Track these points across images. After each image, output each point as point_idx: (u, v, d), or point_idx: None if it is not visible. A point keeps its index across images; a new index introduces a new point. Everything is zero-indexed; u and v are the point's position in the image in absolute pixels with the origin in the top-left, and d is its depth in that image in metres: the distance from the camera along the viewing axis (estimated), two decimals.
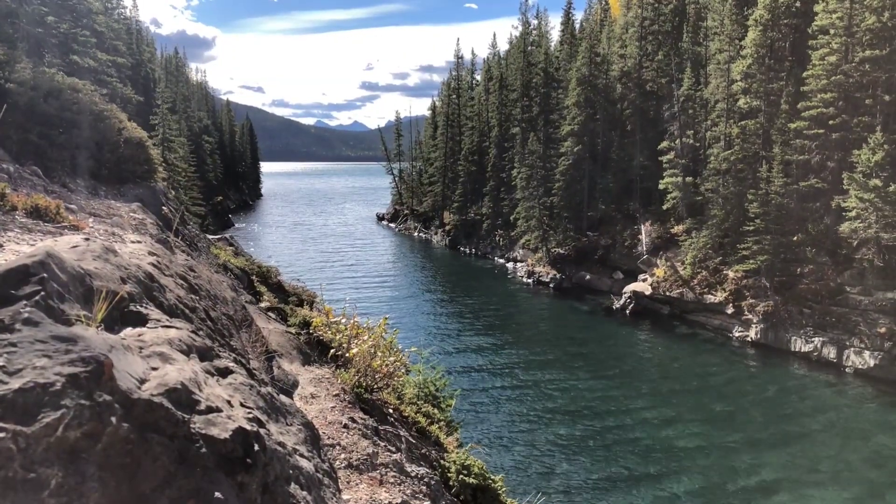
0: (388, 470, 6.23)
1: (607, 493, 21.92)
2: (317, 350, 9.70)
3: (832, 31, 38.40)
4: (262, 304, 11.46)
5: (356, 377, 7.99)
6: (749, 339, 39.42)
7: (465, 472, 7.39)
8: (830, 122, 37.84)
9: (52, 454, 1.93)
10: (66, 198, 11.21)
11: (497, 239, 69.87)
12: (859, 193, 34.25)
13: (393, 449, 6.88)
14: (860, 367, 33.86)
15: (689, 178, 48.78)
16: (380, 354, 8.21)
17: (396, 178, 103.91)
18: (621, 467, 23.74)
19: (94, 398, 2.07)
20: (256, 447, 2.52)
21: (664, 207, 50.35)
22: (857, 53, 37.49)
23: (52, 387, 2.01)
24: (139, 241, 5.88)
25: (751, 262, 39.75)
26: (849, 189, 35.31)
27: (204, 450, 2.29)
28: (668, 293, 44.99)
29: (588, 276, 54.77)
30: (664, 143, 51.09)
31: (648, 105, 57.61)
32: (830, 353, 35.28)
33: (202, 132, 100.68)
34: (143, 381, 2.33)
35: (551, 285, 54.97)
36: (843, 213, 36.19)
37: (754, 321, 39.35)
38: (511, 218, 65.75)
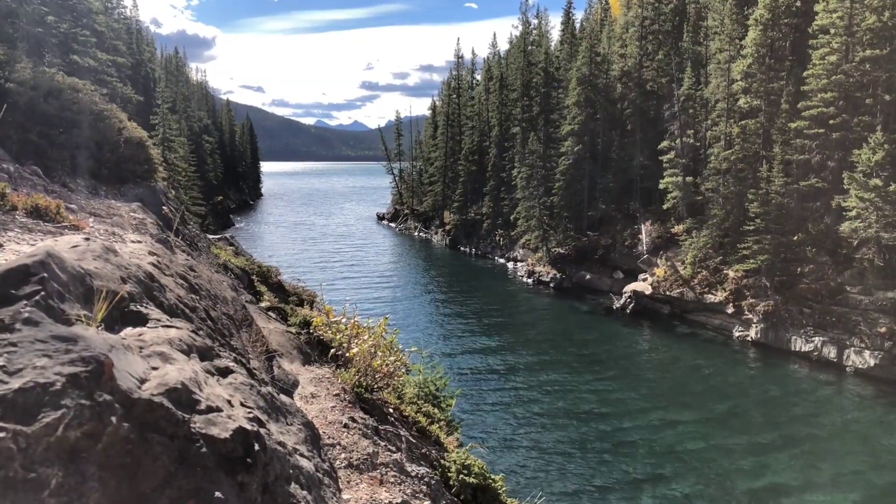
0: (389, 469, 6.23)
1: (607, 492, 21.92)
2: (317, 350, 9.71)
3: (832, 31, 38.39)
4: (263, 304, 11.46)
5: (356, 377, 7.99)
6: (749, 338, 39.41)
7: (465, 471, 7.39)
8: (831, 121, 37.83)
9: (53, 454, 1.93)
10: (67, 197, 11.21)
11: (497, 239, 69.87)
12: (859, 193, 34.24)
13: (393, 448, 6.88)
14: (860, 366, 33.85)
15: (689, 178, 48.78)
16: (380, 354, 8.20)
17: (396, 178, 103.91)
18: (621, 467, 23.74)
19: (95, 398, 2.07)
20: (257, 447, 2.52)
21: (664, 207, 50.34)
22: (857, 53, 37.48)
23: (53, 386, 2.01)
24: (139, 241, 5.88)
25: (751, 261, 39.75)
26: (849, 189, 35.31)
27: (204, 449, 2.29)
28: (668, 293, 44.99)
29: (588, 276, 54.77)
30: (664, 143, 51.09)
31: (649, 105, 57.60)
32: (831, 352, 35.28)
33: (202, 132, 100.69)
34: (143, 381, 2.33)
35: (551, 285, 54.97)
36: (844, 213, 36.19)
37: (754, 321, 39.35)
38: (511, 217, 65.75)
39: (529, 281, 57.29)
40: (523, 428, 27.03)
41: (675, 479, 22.96)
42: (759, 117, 43.03)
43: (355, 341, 8.21)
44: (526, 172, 61.11)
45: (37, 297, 2.34)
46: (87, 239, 3.36)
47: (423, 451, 7.79)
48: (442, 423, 9.69)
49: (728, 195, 43.94)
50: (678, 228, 48.41)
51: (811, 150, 39.52)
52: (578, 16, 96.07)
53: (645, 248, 51.00)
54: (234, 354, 3.82)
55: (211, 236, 20.68)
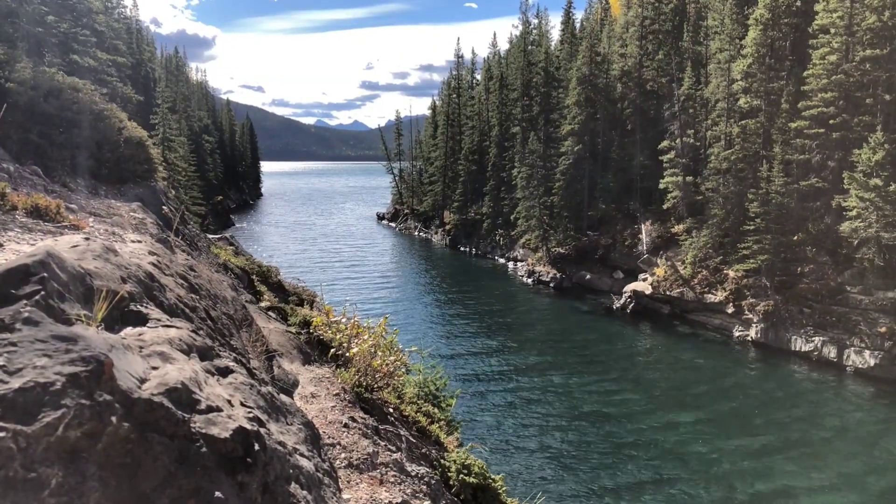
0: (389, 469, 6.23)
1: (607, 492, 21.92)
2: (317, 349, 9.71)
3: (833, 31, 38.39)
4: (263, 304, 11.46)
5: (356, 377, 7.99)
6: (749, 338, 39.41)
7: (465, 471, 7.39)
8: (831, 121, 37.83)
9: (53, 454, 1.93)
10: (67, 197, 11.21)
11: (497, 238, 69.87)
12: (860, 193, 34.24)
13: (393, 448, 6.88)
14: (860, 366, 33.85)
15: (689, 178, 48.78)
16: (380, 354, 8.20)
17: (397, 178, 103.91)
18: (621, 466, 23.74)
19: (95, 398, 2.07)
20: (257, 447, 2.52)
21: (664, 207, 50.34)
22: (857, 53, 37.49)
23: (53, 386, 2.01)
24: (139, 241, 5.89)
25: (751, 261, 39.75)
26: (849, 188, 35.31)
27: (204, 449, 2.29)
28: (668, 293, 44.99)
29: (588, 276, 54.77)
30: (664, 143, 51.08)
31: (649, 104, 57.60)
32: (831, 352, 35.28)
33: (202, 132, 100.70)
34: (143, 381, 2.33)
35: (551, 285, 54.97)
36: (844, 213, 36.19)
37: (755, 321, 39.35)
38: (511, 217, 65.75)
39: (529, 281, 57.29)
40: (523, 428, 27.03)
41: (674, 478, 22.96)
42: (760, 117, 43.03)
43: (355, 341, 8.21)
44: (526, 172, 61.11)
45: (37, 297, 2.34)
46: (88, 239, 3.36)
47: (423, 450, 7.79)
48: (442, 422, 9.69)
49: (728, 195, 43.94)
50: (678, 228, 48.41)
51: (811, 150, 39.52)
52: (578, 15, 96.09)
53: (645, 247, 51.00)
54: (234, 354, 3.82)
55: (211, 236, 20.68)
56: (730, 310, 40.99)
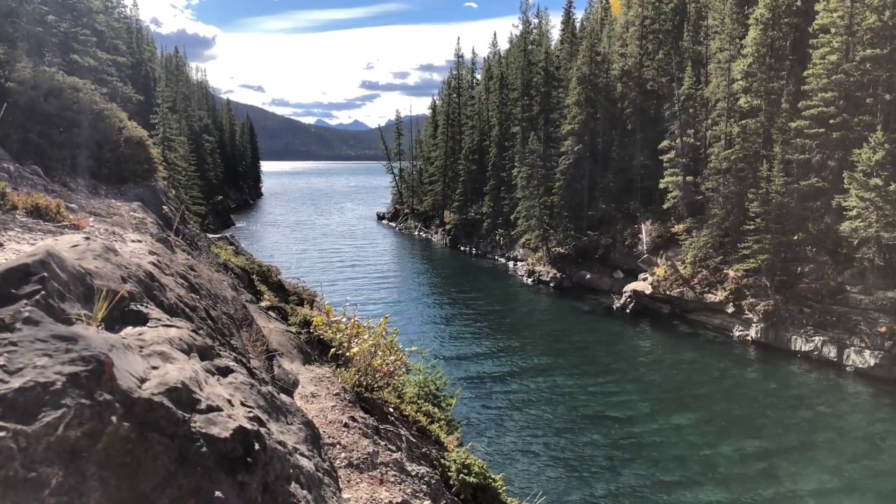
0: (389, 469, 6.23)
1: (607, 491, 21.92)
2: (317, 349, 9.71)
3: (833, 30, 38.38)
4: (263, 304, 11.46)
5: (356, 376, 7.99)
6: (749, 338, 39.41)
7: (465, 471, 7.39)
8: (831, 121, 37.82)
9: (53, 453, 1.93)
10: (67, 197, 11.21)
11: (497, 238, 69.87)
12: (860, 192, 34.24)
13: (393, 448, 6.88)
14: (860, 366, 33.86)
15: (689, 178, 48.77)
16: (380, 353, 8.20)
17: (397, 178, 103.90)
18: (621, 466, 23.74)
19: (95, 397, 2.07)
20: (257, 446, 2.52)
21: (664, 207, 50.33)
22: (857, 52, 37.48)
23: (53, 386, 2.01)
24: (140, 241, 5.89)
25: (751, 261, 39.75)
26: (849, 188, 35.31)
27: (204, 449, 2.29)
28: (668, 292, 44.99)
29: (588, 276, 54.77)
30: (664, 143, 51.08)
31: (649, 104, 57.60)
32: (831, 352, 35.28)
33: (202, 131, 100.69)
34: (143, 381, 2.33)
35: (551, 284, 54.97)
36: (844, 213, 36.18)
37: (755, 320, 39.35)
38: (511, 217, 65.74)
39: (529, 280, 57.28)
40: (524, 427, 27.04)
41: (673, 478, 22.96)
42: (760, 117, 43.02)
43: (355, 341, 8.21)
44: (526, 172, 61.10)
45: (37, 297, 2.34)
46: (88, 238, 3.36)
47: (424, 450, 7.79)
48: (442, 422, 9.69)
49: (728, 195, 43.94)
50: (678, 228, 48.41)
51: (811, 150, 39.52)
52: (579, 15, 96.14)
53: (645, 247, 51.00)
54: (234, 354, 3.82)
55: (211, 236, 20.69)
56: (730, 309, 40.99)
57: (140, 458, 2.10)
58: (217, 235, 22.16)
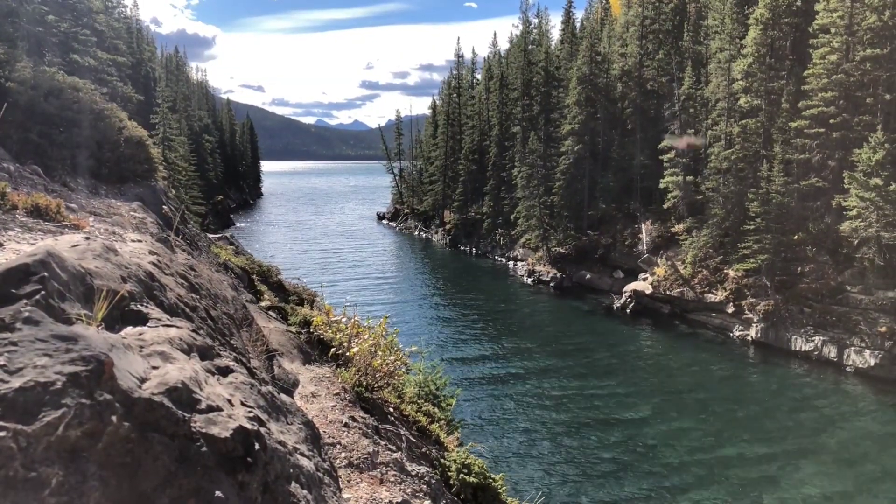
0: (389, 469, 6.24)
1: (608, 490, 21.92)
2: (317, 349, 9.71)
3: (833, 30, 38.38)
4: (263, 303, 11.46)
5: (357, 376, 7.99)
6: (749, 338, 39.41)
7: (465, 471, 7.39)
8: (831, 120, 37.82)
9: (53, 453, 1.93)
10: (67, 197, 11.21)
11: (497, 238, 69.87)
12: (860, 192, 34.23)
13: (393, 448, 6.88)
14: (861, 366, 33.85)
15: (689, 177, 48.77)
16: (380, 353, 8.20)
17: (397, 177, 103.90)
18: (621, 465, 23.74)
19: (95, 397, 2.07)
20: (257, 446, 2.52)
21: (665, 206, 50.33)
22: (857, 52, 37.47)
23: (53, 386, 2.01)
24: (140, 241, 5.89)
25: (751, 261, 39.75)
26: (849, 188, 35.30)
27: (204, 449, 2.29)
28: (668, 292, 44.99)
29: (588, 276, 54.77)
30: (665, 142, 51.07)
31: (649, 104, 57.59)
32: (831, 352, 35.28)
33: (202, 131, 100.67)
34: (143, 380, 2.33)
35: (552, 284, 54.97)
36: (844, 212, 36.18)
37: (755, 320, 39.34)
38: (511, 217, 65.75)
39: (530, 280, 57.28)
40: (524, 427, 27.04)
41: (674, 477, 22.96)
42: (760, 116, 43.01)
43: (355, 341, 8.21)
44: (526, 172, 61.10)
45: (37, 297, 2.34)
46: (88, 238, 3.36)
47: (424, 450, 7.79)
48: (442, 422, 9.70)
49: (728, 194, 43.94)
50: (678, 228, 48.40)
51: (812, 150, 39.51)
52: (579, 15, 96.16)
53: (645, 247, 51.00)
54: (234, 354, 3.82)
55: (211, 235, 20.69)
56: (730, 309, 40.99)
57: (140, 457, 2.10)
58: (217, 235, 22.16)
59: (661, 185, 49.97)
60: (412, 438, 7.86)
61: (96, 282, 2.82)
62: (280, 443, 2.89)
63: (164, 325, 2.98)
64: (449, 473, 7.34)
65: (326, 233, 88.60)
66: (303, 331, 10.07)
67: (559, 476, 22.87)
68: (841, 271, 37.20)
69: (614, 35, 65.11)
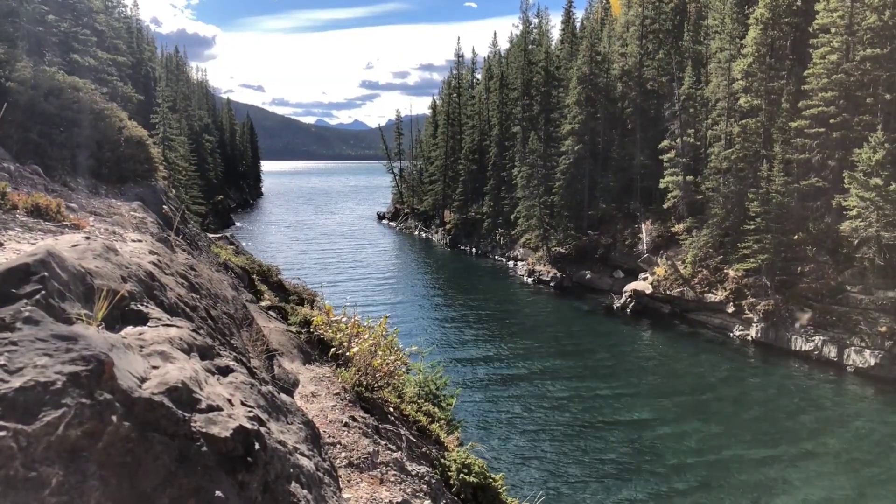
0: (389, 468, 6.24)
1: (608, 490, 21.93)
2: (317, 349, 9.70)
3: (833, 30, 38.37)
4: (263, 303, 11.46)
5: (357, 376, 7.99)
6: (750, 337, 39.41)
7: (465, 470, 7.39)
8: (831, 120, 37.81)
9: (53, 453, 1.93)
10: (67, 196, 11.21)
11: (498, 238, 69.87)
12: (860, 192, 34.23)
13: (393, 447, 6.88)
14: (861, 365, 33.85)
15: (689, 177, 48.77)
16: (380, 353, 8.20)
17: (397, 177, 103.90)
18: (622, 464, 23.75)
19: (95, 397, 2.07)
20: (257, 446, 2.53)
21: (665, 206, 50.33)
22: (857, 52, 37.47)
23: (53, 385, 2.01)
24: (140, 240, 5.89)
25: (751, 260, 39.74)
26: (849, 188, 35.30)
27: (205, 448, 2.29)
28: (668, 292, 44.98)
29: (588, 275, 54.76)
30: (665, 142, 51.07)
31: (649, 104, 57.59)
32: (831, 351, 35.28)
33: (203, 131, 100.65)
34: (143, 380, 2.33)
35: (552, 284, 54.97)
36: (844, 212, 36.18)
37: (755, 320, 39.34)
38: (512, 217, 65.76)
39: (530, 280, 57.28)
40: (524, 427, 27.04)
41: (673, 476, 22.97)
42: (760, 116, 43.01)
43: (356, 340, 8.21)
44: (526, 171, 61.10)
45: (37, 296, 2.34)
46: (88, 238, 3.36)
47: (424, 450, 7.79)
48: (442, 422, 9.69)
49: (728, 194, 43.93)
50: (678, 228, 48.40)
51: (812, 150, 39.51)
52: (579, 15, 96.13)
53: (645, 247, 50.99)
54: (234, 353, 3.83)
55: (211, 235, 20.69)
56: (730, 309, 40.98)
57: (140, 457, 2.10)
58: (217, 235, 22.16)
59: (661, 185, 49.97)
60: (412, 438, 7.86)
61: (96, 281, 2.82)
62: (280, 442, 2.89)
63: (164, 325, 2.98)
64: (449, 473, 7.34)
65: (326, 233, 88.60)
66: (303, 330, 10.06)
67: (559, 475, 22.87)
68: (841, 271, 37.20)
69: (614, 35, 65.10)
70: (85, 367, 2.10)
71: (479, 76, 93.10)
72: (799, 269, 38.86)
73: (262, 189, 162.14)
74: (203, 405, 2.43)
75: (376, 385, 8.21)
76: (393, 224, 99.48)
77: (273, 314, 10.75)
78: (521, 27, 76.27)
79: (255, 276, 13.55)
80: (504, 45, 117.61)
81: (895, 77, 36.29)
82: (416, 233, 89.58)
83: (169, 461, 2.16)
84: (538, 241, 59.82)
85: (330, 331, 9.27)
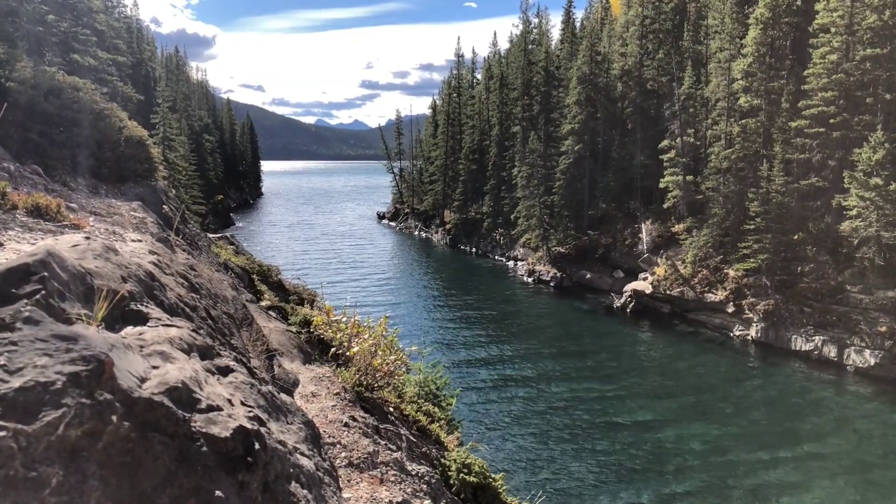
0: (389, 468, 6.24)
1: (607, 491, 21.93)
2: (317, 349, 9.71)
3: (833, 30, 38.37)
4: (263, 303, 11.46)
5: (357, 376, 7.99)
6: (750, 337, 39.41)
7: (465, 470, 7.39)
8: (831, 120, 37.81)
9: (53, 453, 1.93)
10: (67, 196, 11.21)
11: (497, 238, 69.87)
12: (860, 192, 34.23)
13: (393, 447, 6.88)
14: (861, 365, 33.85)
15: (689, 177, 48.77)
16: (380, 353, 8.20)
17: (397, 177, 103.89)
18: (622, 465, 23.75)
19: (95, 397, 2.07)
20: (257, 446, 2.53)
21: (665, 206, 50.32)
22: (857, 52, 37.46)
23: (53, 385, 2.01)
24: (140, 240, 5.88)
25: (751, 260, 39.74)
26: (849, 187, 35.30)
27: (205, 448, 2.29)
28: (668, 292, 44.98)
29: (588, 275, 54.77)
30: (665, 142, 51.07)
31: (649, 103, 57.59)
32: (831, 351, 35.28)
33: (203, 131, 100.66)
34: (143, 380, 2.33)
35: (552, 284, 54.97)
36: (844, 212, 36.17)
37: (755, 320, 39.34)
38: (511, 217, 65.76)
39: (530, 280, 57.28)
40: (524, 426, 27.04)
41: (675, 476, 22.96)
42: (760, 116, 43.00)
43: (356, 340, 8.21)
44: (526, 171, 61.10)
45: (37, 296, 2.34)
46: (88, 238, 3.36)
47: (424, 449, 7.79)
48: (442, 421, 9.70)
49: (728, 194, 43.93)
50: (678, 227, 48.40)
51: (812, 149, 39.50)
52: (579, 15, 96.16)
53: (645, 247, 50.99)
54: (234, 353, 3.83)
55: (211, 235, 20.69)
56: (730, 309, 40.98)
57: (140, 457, 2.10)
58: (217, 235, 22.16)
59: (661, 185, 49.96)
60: (412, 438, 7.86)
61: (96, 281, 2.82)
62: (280, 442, 2.89)
63: (164, 325, 2.98)
64: (449, 473, 7.34)
65: (326, 232, 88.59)
66: (303, 330, 10.06)
67: (559, 475, 22.87)
68: (841, 271, 37.20)
69: (614, 35, 65.10)
70: (85, 367, 2.10)
71: (479, 76, 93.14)
72: (799, 268, 38.87)
73: (262, 189, 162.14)
74: (203, 405, 2.43)
75: (376, 385, 8.21)
76: (393, 224, 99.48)
77: (273, 314, 10.75)
78: (521, 27, 76.34)
79: (255, 276, 13.55)
80: (504, 45, 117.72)
81: (895, 77, 36.29)
82: (416, 233, 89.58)
83: (169, 461, 2.16)
84: (538, 240, 59.83)
85: (330, 331, 9.28)
